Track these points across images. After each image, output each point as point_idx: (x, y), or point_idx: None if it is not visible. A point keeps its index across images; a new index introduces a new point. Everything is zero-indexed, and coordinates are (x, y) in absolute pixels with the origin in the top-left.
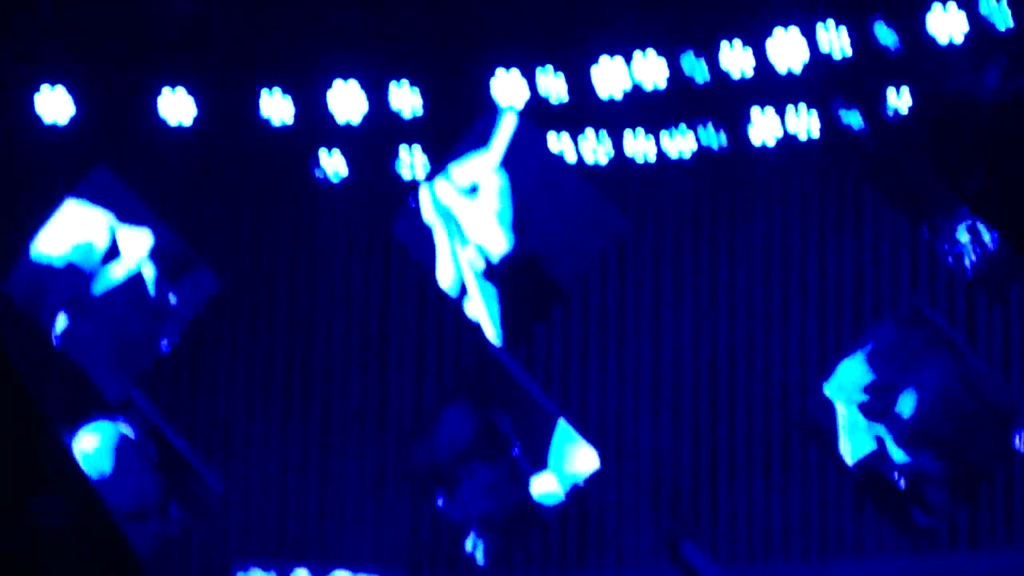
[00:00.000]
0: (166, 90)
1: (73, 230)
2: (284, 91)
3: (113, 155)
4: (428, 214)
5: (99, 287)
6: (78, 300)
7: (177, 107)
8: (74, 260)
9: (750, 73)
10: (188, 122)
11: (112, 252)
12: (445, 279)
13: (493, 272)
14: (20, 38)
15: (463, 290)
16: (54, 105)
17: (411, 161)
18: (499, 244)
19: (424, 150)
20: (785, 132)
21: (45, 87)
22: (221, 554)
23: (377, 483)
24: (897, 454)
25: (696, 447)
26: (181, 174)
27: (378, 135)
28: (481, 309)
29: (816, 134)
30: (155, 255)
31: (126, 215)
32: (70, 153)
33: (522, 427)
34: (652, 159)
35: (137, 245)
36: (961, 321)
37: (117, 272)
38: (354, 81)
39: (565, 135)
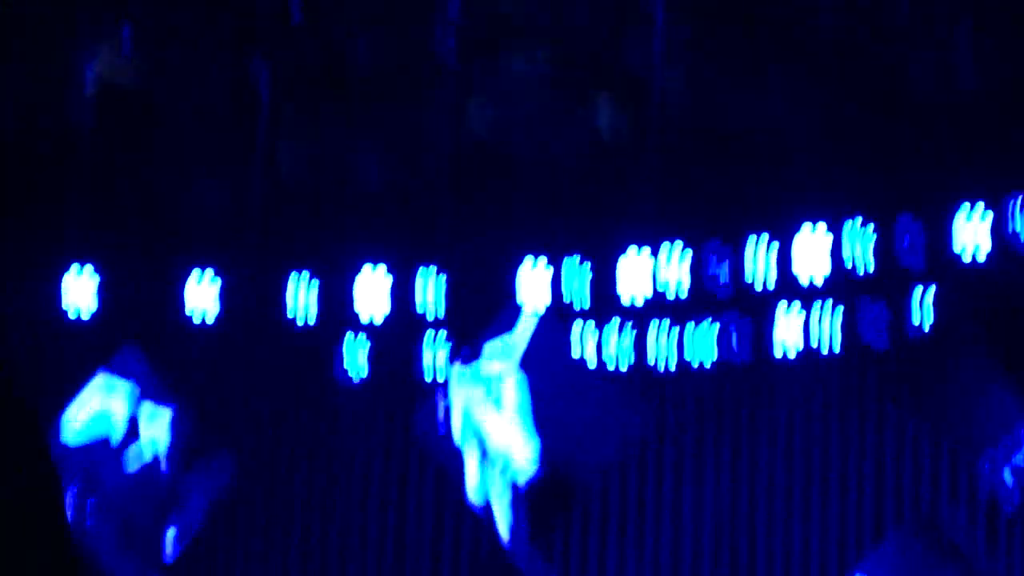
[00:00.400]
0: (192, 276)
1: (95, 408)
2: (309, 280)
3: (138, 340)
4: (451, 416)
5: (116, 467)
6: (93, 479)
7: (203, 294)
8: (92, 439)
9: (774, 276)
10: (213, 309)
11: (132, 433)
12: (469, 482)
13: (520, 494)
14: (48, 223)
15: (484, 492)
16: (81, 290)
17: (434, 353)
18: (522, 451)
19: (448, 342)
20: (809, 336)
21: (72, 272)
22: None
23: None
24: None
25: None
26: (205, 360)
27: (401, 328)
28: (500, 510)
29: (840, 339)
30: (174, 438)
31: (149, 396)
32: (95, 338)
33: None
34: (674, 359)
35: (157, 427)
36: (981, 529)
37: (135, 453)
38: (379, 270)
39: (588, 331)
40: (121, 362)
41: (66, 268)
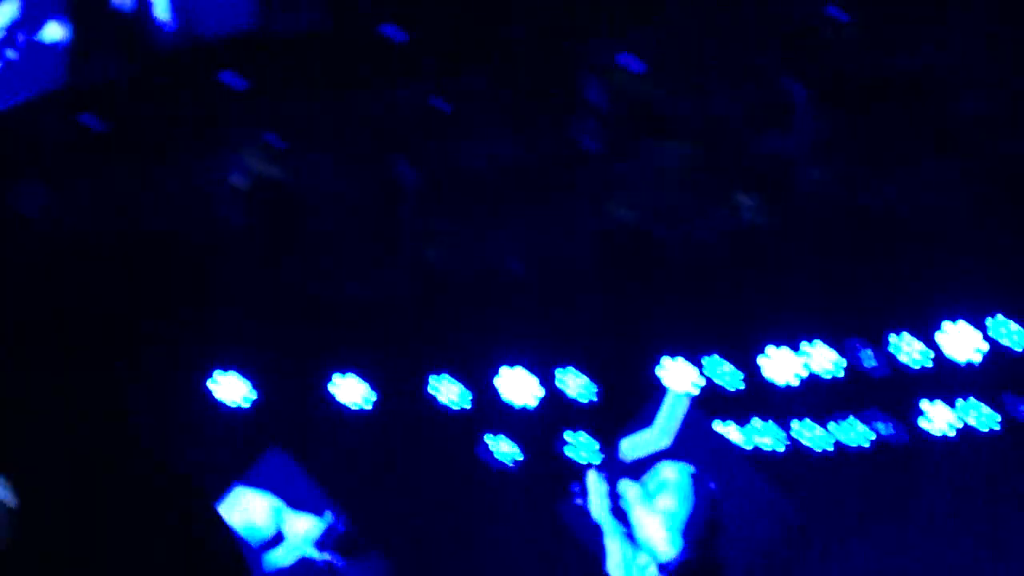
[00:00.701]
0: (339, 375)
1: (240, 514)
2: (455, 376)
3: (287, 437)
4: (595, 506)
5: (262, 572)
6: None
7: (350, 391)
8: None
9: (923, 364)
10: (361, 405)
11: (276, 538)
12: (614, 567)
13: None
14: (198, 323)
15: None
16: (230, 388)
17: (579, 446)
18: (669, 536)
19: (592, 435)
20: (959, 423)
21: (221, 371)
22: None
23: None
24: None
25: None
26: (354, 456)
27: (547, 420)
28: None
29: (990, 426)
30: (324, 539)
31: (295, 500)
32: (245, 435)
33: None
34: (824, 449)
35: (303, 530)
36: None
37: (281, 557)
38: (523, 367)
39: (734, 424)
40: (266, 469)
41: (216, 365)
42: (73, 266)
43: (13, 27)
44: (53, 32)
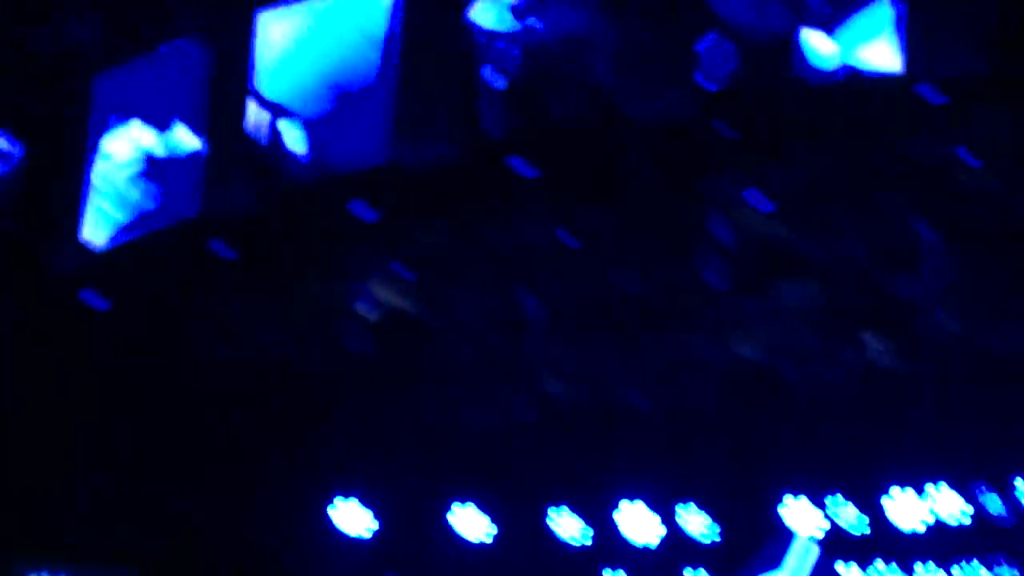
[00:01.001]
0: (458, 504)
1: None
2: (574, 509)
3: (405, 566)
4: None
5: None
6: None
7: (469, 521)
8: None
9: None
10: (482, 538)
11: None
12: None
13: None
14: (318, 451)
15: None
16: (351, 516)
17: None
18: None
19: (712, 573)
20: None
21: (341, 499)
22: None
23: None
24: None
25: None
26: None
27: (666, 556)
28: None
29: None
30: None
31: None
32: (364, 563)
33: None
34: None
35: None
36: None
37: None
38: (643, 502)
39: (857, 566)
40: None
41: (337, 492)
42: (200, 392)
43: (151, 157)
44: (189, 162)
